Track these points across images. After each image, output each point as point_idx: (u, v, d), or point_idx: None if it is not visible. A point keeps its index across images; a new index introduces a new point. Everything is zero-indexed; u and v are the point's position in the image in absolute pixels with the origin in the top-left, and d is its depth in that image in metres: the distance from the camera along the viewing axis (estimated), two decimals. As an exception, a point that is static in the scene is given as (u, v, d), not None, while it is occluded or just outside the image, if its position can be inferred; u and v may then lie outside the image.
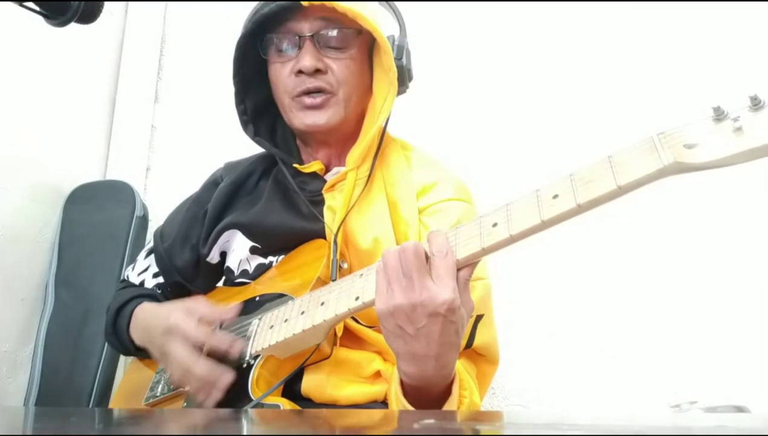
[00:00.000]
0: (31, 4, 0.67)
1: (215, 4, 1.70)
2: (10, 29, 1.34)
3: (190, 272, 0.98)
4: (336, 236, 0.84)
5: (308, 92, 0.87)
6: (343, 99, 0.88)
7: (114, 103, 1.69)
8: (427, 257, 0.62)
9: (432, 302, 0.59)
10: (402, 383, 0.68)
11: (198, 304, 0.84)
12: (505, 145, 1.41)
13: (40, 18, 0.69)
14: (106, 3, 0.72)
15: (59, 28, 0.70)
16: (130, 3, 1.74)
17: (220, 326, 0.89)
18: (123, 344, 0.95)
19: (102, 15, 0.71)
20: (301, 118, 0.88)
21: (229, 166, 1.04)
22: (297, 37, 0.86)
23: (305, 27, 0.86)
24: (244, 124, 0.95)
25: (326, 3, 0.83)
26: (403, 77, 0.91)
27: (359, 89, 0.91)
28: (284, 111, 0.91)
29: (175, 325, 0.80)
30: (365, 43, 0.91)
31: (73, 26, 0.70)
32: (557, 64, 1.42)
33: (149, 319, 0.88)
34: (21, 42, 1.38)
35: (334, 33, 0.86)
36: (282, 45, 0.88)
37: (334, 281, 0.81)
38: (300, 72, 0.86)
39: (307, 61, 0.85)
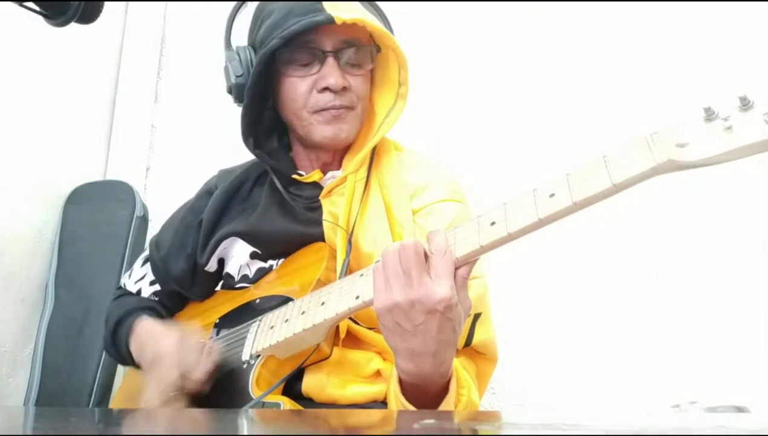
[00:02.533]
0: (31, 4, 0.67)
1: (215, 4, 1.70)
2: (10, 29, 1.34)
3: (186, 280, 0.98)
4: (351, 235, 0.84)
5: (332, 108, 0.86)
6: (360, 113, 0.89)
7: (114, 103, 1.69)
8: (426, 256, 0.62)
9: (430, 299, 0.60)
10: (400, 381, 0.68)
11: (188, 342, 0.83)
12: (499, 146, 1.41)
13: (40, 18, 0.69)
14: (106, 3, 0.72)
15: (59, 28, 0.70)
16: (130, 3, 1.75)
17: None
18: (122, 356, 0.95)
19: (102, 15, 0.71)
20: (321, 132, 0.87)
21: (223, 174, 1.04)
22: (321, 53, 0.85)
23: (327, 43, 0.85)
24: (245, 137, 0.92)
25: (357, 22, 0.83)
26: None
27: (369, 102, 0.93)
28: (300, 124, 0.89)
29: (164, 354, 0.81)
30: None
31: (73, 26, 0.70)
32: (551, 65, 1.42)
33: (145, 340, 0.88)
34: (21, 42, 1.38)
35: (356, 51, 0.87)
36: (301, 59, 0.86)
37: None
38: (325, 89, 0.85)
39: (334, 79, 0.84)
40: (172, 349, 0.81)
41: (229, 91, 0.91)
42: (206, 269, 0.96)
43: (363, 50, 0.88)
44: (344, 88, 0.86)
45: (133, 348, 0.91)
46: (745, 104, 0.49)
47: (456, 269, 0.62)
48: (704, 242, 1.23)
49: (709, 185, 1.20)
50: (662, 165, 0.51)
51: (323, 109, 0.86)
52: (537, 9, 1.46)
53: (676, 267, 1.24)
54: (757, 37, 1.25)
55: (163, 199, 1.59)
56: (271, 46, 0.84)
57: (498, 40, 1.48)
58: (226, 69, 0.91)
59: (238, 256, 0.93)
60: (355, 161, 0.89)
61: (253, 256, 0.92)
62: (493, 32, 1.49)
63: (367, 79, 0.90)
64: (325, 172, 0.93)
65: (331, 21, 0.81)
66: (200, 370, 0.79)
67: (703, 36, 1.30)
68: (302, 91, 0.87)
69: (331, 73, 0.84)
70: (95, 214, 1.48)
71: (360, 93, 0.88)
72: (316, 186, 0.92)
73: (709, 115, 0.50)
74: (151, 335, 0.88)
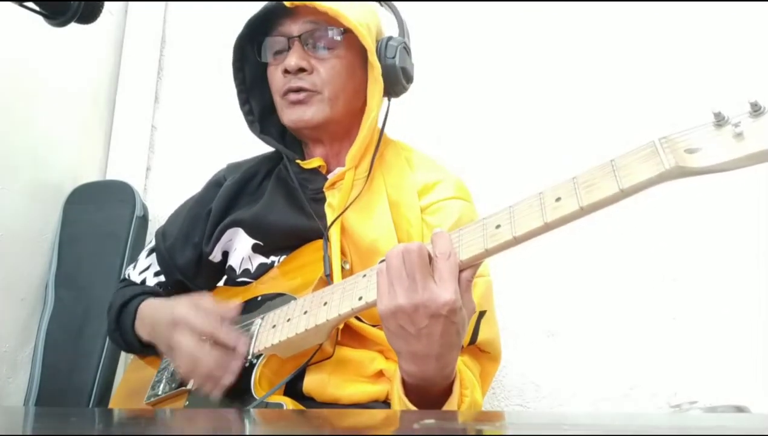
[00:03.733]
0: (31, 4, 0.67)
1: (215, 4, 1.70)
2: (10, 29, 1.34)
3: (191, 271, 0.98)
4: (327, 232, 0.85)
5: (292, 91, 0.89)
6: (328, 97, 0.90)
7: (114, 103, 1.69)
8: (430, 258, 0.62)
9: (434, 302, 0.60)
10: (404, 382, 0.68)
11: (203, 299, 0.85)
12: (507, 149, 1.41)
13: (40, 18, 0.69)
14: (106, 3, 0.72)
15: (59, 28, 0.70)
16: (130, 3, 1.74)
17: None
18: (127, 341, 0.95)
19: (102, 15, 0.71)
20: (287, 115, 0.91)
21: (232, 167, 1.05)
22: (287, 39, 0.89)
23: (294, 29, 0.89)
24: (250, 123, 0.97)
25: (308, 3, 0.85)
26: (396, 76, 0.90)
27: (349, 89, 0.92)
28: (278, 110, 0.93)
29: (181, 316, 0.80)
30: (357, 43, 0.90)
31: (73, 26, 0.70)
32: (559, 68, 1.42)
33: (155, 313, 0.89)
34: (21, 42, 1.38)
35: (319, 33, 0.89)
36: (275, 47, 0.91)
37: (327, 275, 0.82)
38: (286, 71, 0.88)
39: (292, 60, 0.87)
40: (190, 309, 0.80)
41: None
42: (211, 258, 0.97)
43: (329, 32, 0.89)
44: (302, 70, 0.88)
45: (142, 329, 0.91)
46: (756, 110, 0.48)
47: (460, 271, 0.62)
48: (706, 242, 1.23)
49: (711, 186, 1.20)
50: (671, 171, 0.51)
51: (287, 93, 0.89)
52: (541, 8, 1.46)
53: (676, 267, 1.24)
54: (768, 40, 1.25)
55: (163, 199, 1.59)
56: (238, 36, 0.91)
57: (501, 39, 1.48)
58: None
59: (240, 248, 0.94)
60: (353, 153, 0.90)
61: (255, 249, 0.93)
62: (495, 31, 1.49)
63: (339, 63, 0.90)
64: (328, 163, 0.95)
65: (281, 6, 0.87)
66: (227, 309, 0.79)
67: (713, 38, 1.30)
68: (277, 77, 0.91)
69: (291, 56, 0.88)
70: (95, 214, 1.48)
71: (326, 77, 0.89)
72: (323, 177, 0.94)
73: (719, 120, 0.50)
74: (160, 308, 0.88)
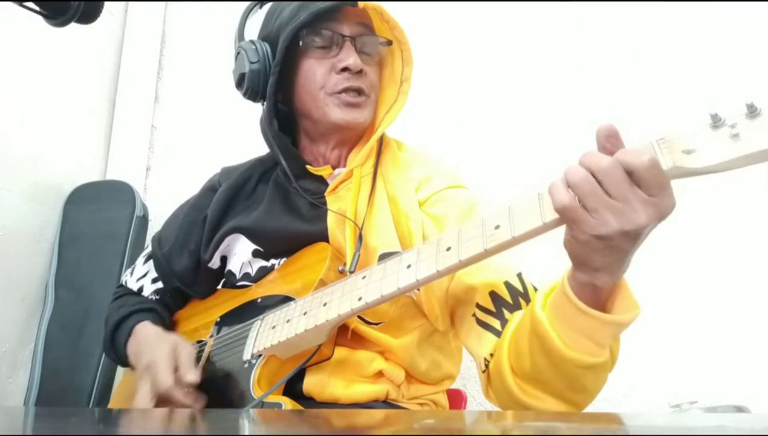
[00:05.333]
0: (31, 4, 0.67)
1: (215, 4, 1.70)
2: (10, 29, 1.34)
3: (189, 277, 0.98)
4: (361, 229, 0.84)
5: (350, 90, 0.88)
6: (373, 102, 0.92)
7: (114, 103, 1.69)
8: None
9: (660, 217, 0.54)
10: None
11: (184, 349, 0.83)
12: (506, 149, 1.41)
13: (40, 18, 0.69)
14: (106, 3, 0.72)
15: (59, 28, 0.70)
16: (130, 3, 1.74)
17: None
18: (120, 358, 0.95)
19: (102, 15, 0.71)
20: (339, 114, 0.88)
21: (226, 172, 1.04)
22: (339, 36, 0.88)
23: (345, 28, 0.88)
24: (270, 120, 0.90)
25: (377, 7, 0.87)
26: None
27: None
28: (316, 106, 0.89)
29: (152, 364, 0.81)
30: (384, 56, 0.94)
31: (73, 26, 0.70)
32: (558, 68, 1.42)
33: (142, 345, 0.89)
34: (21, 42, 1.38)
35: (371, 40, 0.90)
36: (321, 41, 0.88)
37: (352, 272, 0.81)
38: (344, 70, 0.87)
39: (353, 59, 0.87)
40: (164, 359, 0.81)
41: (240, 80, 0.90)
42: (209, 265, 0.97)
43: (379, 41, 0.91)
44: (362, 71, 0.88)
45: (130, 352, 0.92)
46: (752, 111, 0.49)
47: None
48: (704, 242, 1.23)
49: (713, 186, 1.20)
50: (668, 171, 0.52)
51: (342, 91, 0.87)
52: (539, 9, 1.46)
53: (676, 267, 1.24)
54: (765, 41, 1.25)
55: (163, 199, 1.59)
56: (300, 21, 0.85)
57: (500, 39, 1.48)
58: (239, 57, 0.91)
59: (240, 253, 0.94)
60: (360, 155, 0.90)
61: (256, 254, 0.92)
62: (494, 31, 1.49)
63: (378, 70, 0.93)
64: (333, 167, 0.94)
65: (354, 3, 0.86)
66: (189, 378, 0.78)
67: (710, 39, 1.30)
68: (321, 72, 0.88)
69: (350, 55, 0.87)
70: (95, 214, 1.48)
71: (374, 82, 0.91)
72: (323, 182, 0.93)
73: (716, 121, 0.50)
74: (147, 342, 0.88)
